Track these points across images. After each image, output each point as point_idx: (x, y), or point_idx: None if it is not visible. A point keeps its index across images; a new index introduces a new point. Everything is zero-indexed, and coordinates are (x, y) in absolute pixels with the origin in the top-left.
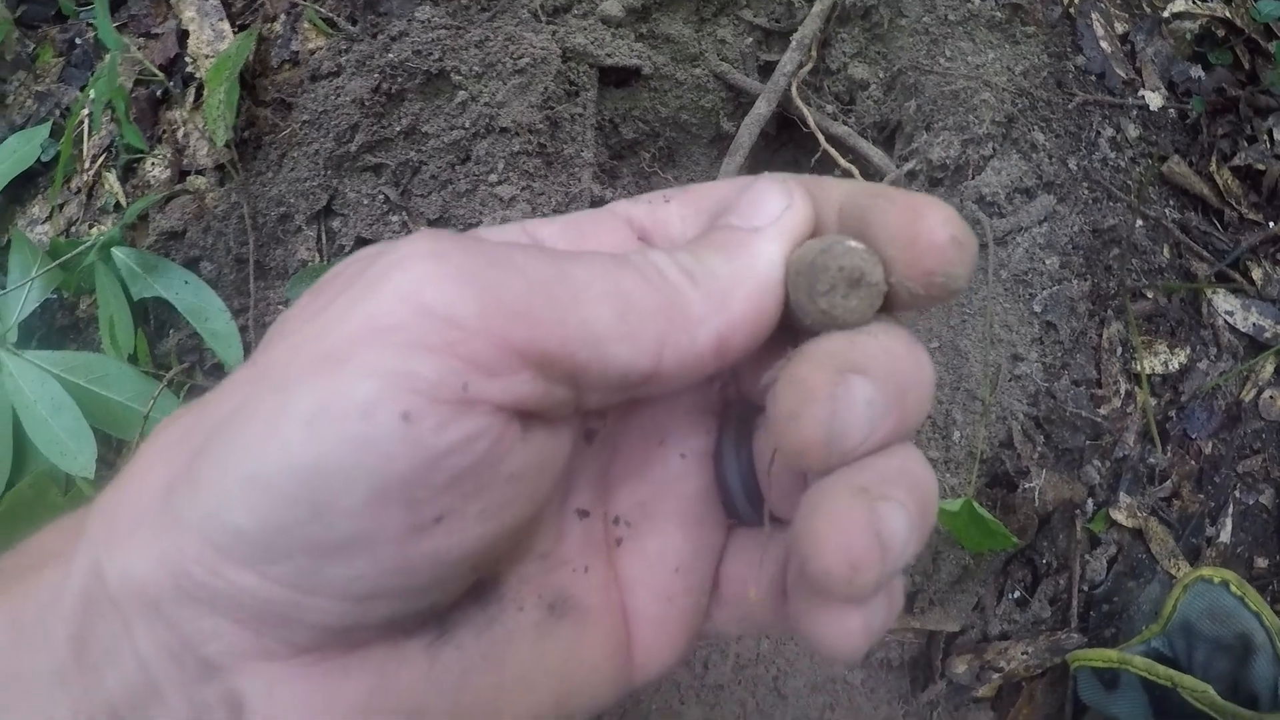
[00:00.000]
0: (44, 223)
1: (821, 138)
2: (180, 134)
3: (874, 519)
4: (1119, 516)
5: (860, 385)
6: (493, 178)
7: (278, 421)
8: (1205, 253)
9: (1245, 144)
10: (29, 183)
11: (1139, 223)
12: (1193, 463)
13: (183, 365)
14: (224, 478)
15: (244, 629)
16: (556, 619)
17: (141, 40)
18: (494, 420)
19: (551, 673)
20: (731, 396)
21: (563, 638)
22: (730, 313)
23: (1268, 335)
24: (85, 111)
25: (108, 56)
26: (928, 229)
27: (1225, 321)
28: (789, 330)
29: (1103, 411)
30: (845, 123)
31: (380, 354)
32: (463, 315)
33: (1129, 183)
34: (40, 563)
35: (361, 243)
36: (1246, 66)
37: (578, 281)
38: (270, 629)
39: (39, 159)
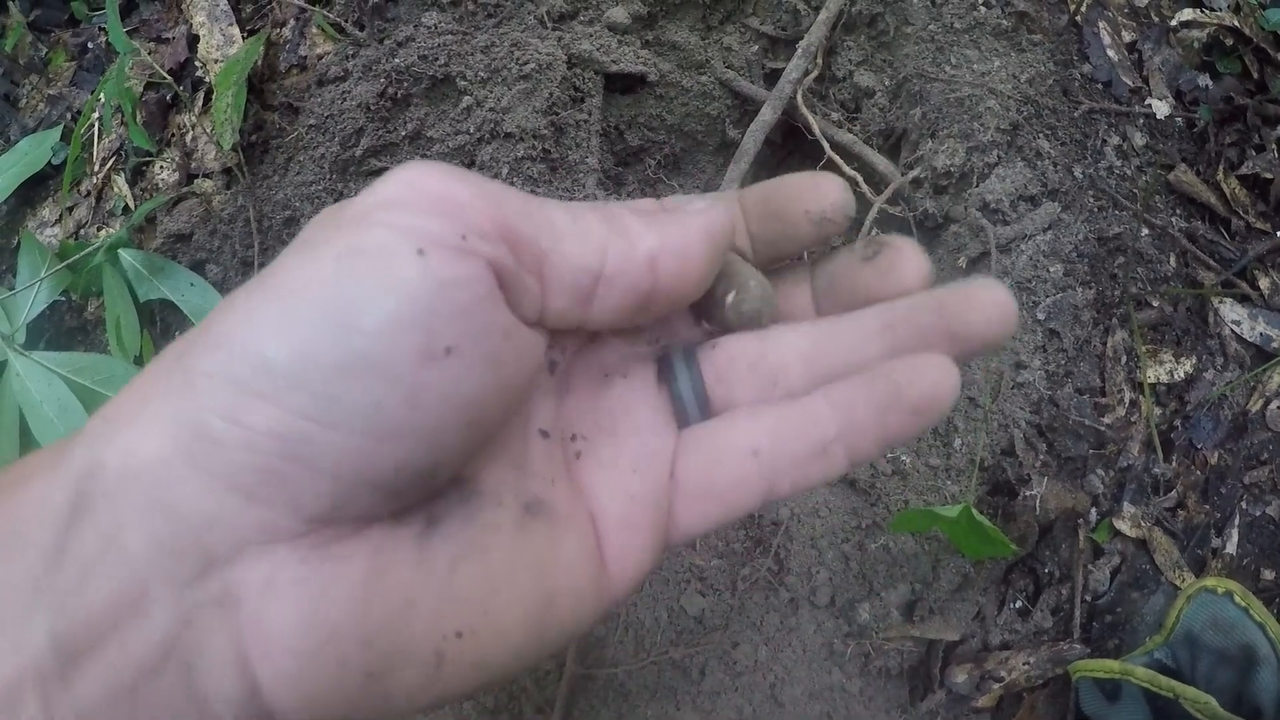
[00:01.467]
0: (54, 225)
1: (826, 145)
2: (189, 137)
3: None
4: (1123, 526)
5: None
6: None
7: (307, 262)
8: (1212, 261)
9: (1253, 153)
10: (40, 185)
11: (1145, 231)
12: (1198, 473)
13: None
14: (252, 317)
15: (250, 503)
16: (532, 517)
17: (152, 45)
18: (488, 272)
19: (533, 568)
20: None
21: (540, 535)
22: (663, 237)
23: (1275, 345)
24: (95, 115)
25: (117, 60)
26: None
27: (1232, 331)
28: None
29: (1106, 420)
30: (850, 130)
31: (394, 215)
32: (457, 194)
33: (1135, 191)
34: (26, 476)
35: None
36: (1255, 75)
37: (539, 199)
38: (279, 494)
39: (50, 162)
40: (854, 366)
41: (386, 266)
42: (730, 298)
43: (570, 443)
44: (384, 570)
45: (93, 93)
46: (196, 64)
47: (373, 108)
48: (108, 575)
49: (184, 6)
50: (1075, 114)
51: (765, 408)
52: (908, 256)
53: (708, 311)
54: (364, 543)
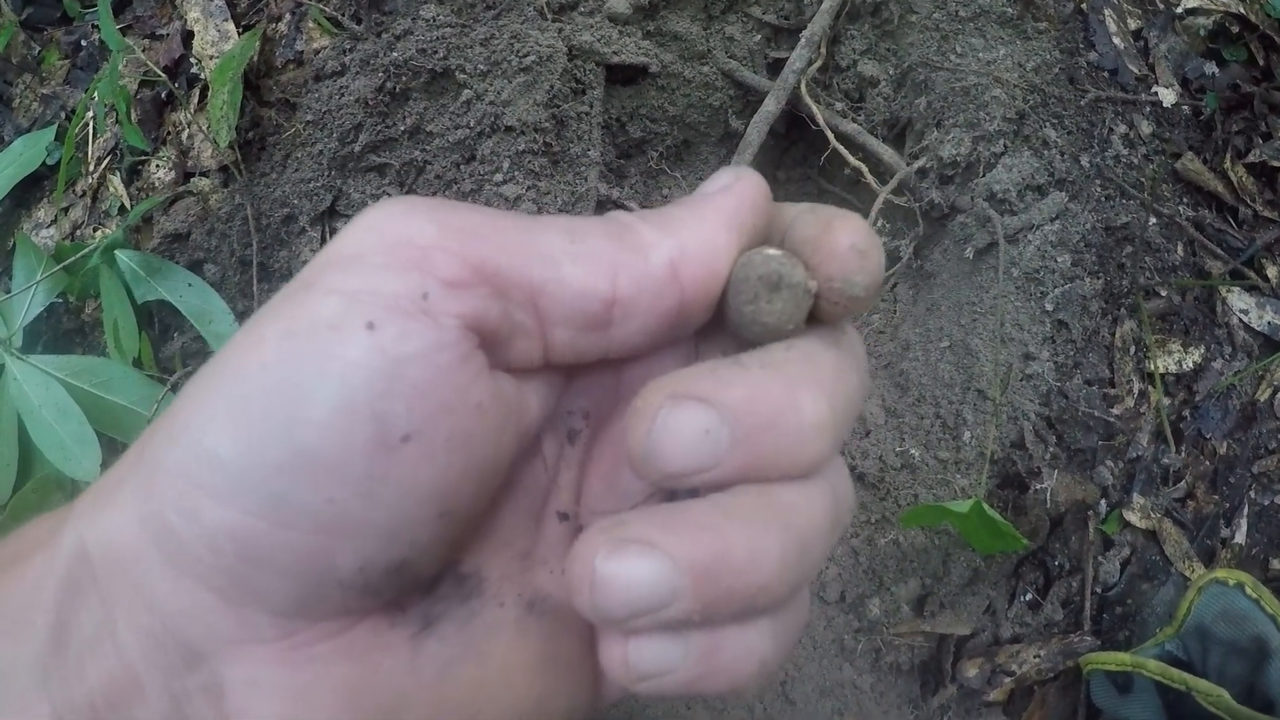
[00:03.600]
0: (49, 226)
1: (831, 136)
2: (185, 135)
3: (602, 559)
4: (1132, 518)
5: (694, 413)
6: (498, 177)
7: (252, 343)
8: (1220, 250)
9: (1260, 141)
10: (35, 186)
11: (1152, 220)
12: (1207, 463)
13: (187, 369)
14: (204, 408)
15: (224, 602)
16: (536, 618)
17: (147, 41)
18: (457, 335)
19: (531, 670)
20: None
21: (541, 636)
22: (681, 238)
23: None
24: (89, 114)
25: (110, 58)
26: (832, 237)
27: (1240, 320)
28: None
29: (1116, 411)
30: (855, 120)
31: (345, 277)
32: (420, 236)
33: (1142, 180)
34: (27, 551)
35: None
36: (1261, 62)
37: (528, 218)
38: (247, 595)
39: (45, 162)
40: None
41: (330, 347)
42: (748, 306)
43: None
44: (373, 672)
45: (86, 91)
46: (192, 60)
47: (371, 103)
48: (103, 661)
49: (178, 2)
50: (1082, 102)
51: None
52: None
53: (724, 318)
54: (352, 643)
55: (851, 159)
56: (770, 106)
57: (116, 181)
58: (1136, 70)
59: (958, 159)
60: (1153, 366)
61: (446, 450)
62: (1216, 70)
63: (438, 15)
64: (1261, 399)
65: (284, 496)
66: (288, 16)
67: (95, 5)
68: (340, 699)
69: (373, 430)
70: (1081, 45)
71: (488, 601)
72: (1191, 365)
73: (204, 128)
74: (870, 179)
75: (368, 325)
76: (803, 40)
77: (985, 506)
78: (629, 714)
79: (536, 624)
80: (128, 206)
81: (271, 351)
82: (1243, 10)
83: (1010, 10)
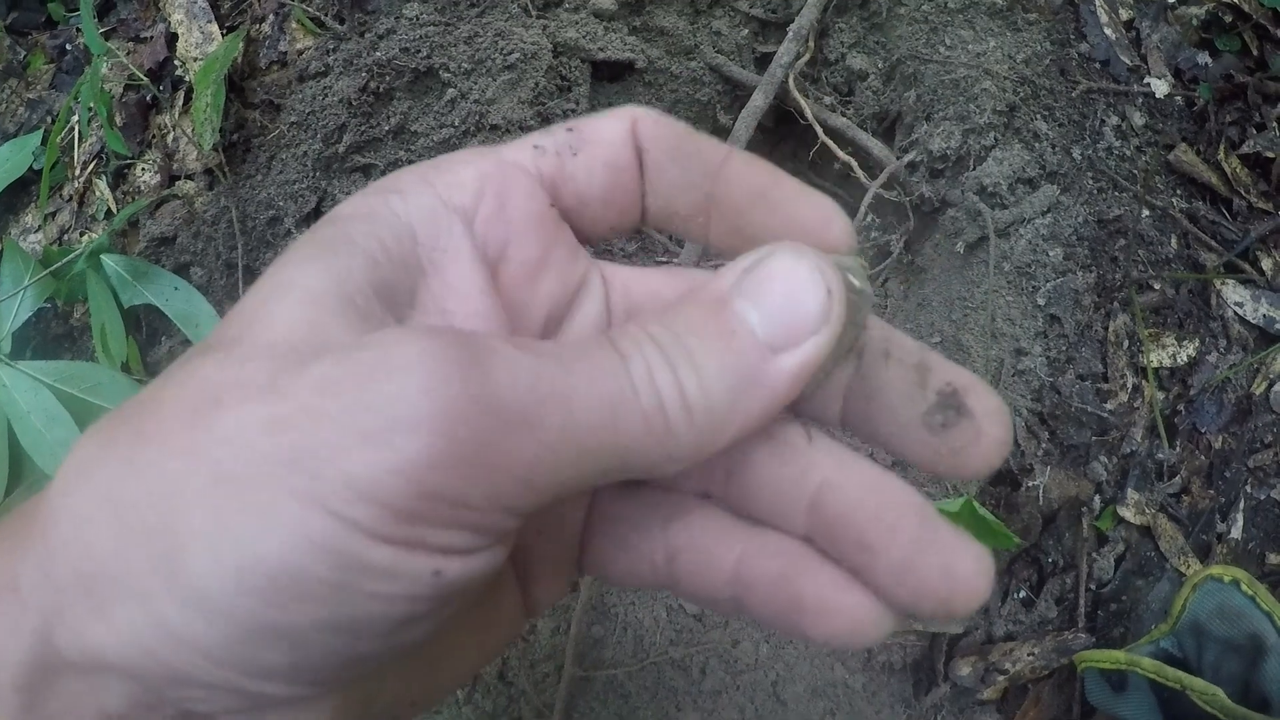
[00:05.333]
0: (36, 231)
1: (820, 130)
2: (169, 138)
3: None
4: (1127, 514)
5: None
6: None
7: (288, 583)
8: (1214, 243)
9: (1254, 131)
10: (22, 191)
11: (1145, 213)
12: (1202, 458)
13: None
14: (237, 622)
15: (240, 699)
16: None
17: (131, 44)
18: (494, 550)
19: (478, 631)
20: None
21: (483, 600)
22: (710, 450)
23: (1278, 327)
24: (73, 119)
25: (93, 62)
26: (834, 237)
27: (1235, 313)
28: None
29: (1109, 406)
30: (844, 114)
31: (390, 528)
32: (473, 499)
33: (1135, 172)
34: None
35: None
36: (1254, 52)
37: (584, 432)
38: (269, 701)
39: (31, 167)
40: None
41: (394, 589)
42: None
43: None
44: (355, 687)
45: (69, 95)
46: (176, 63)
47: (355, 103)
48: (84, 715)
49: (161, 5)
50: (1073, 94)
51: (685, 503)
52: (987, 440)
53: None
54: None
55: (841, 153)
56: (758, 101)
57: (102, 185)
58: (1129, 61)
59: (948, 152)
60: (1147, 360)
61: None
62: (1209, 60)
63: (421, 14)
64: (1257, 392)
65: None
66: (271, 17)
67: (79, 9)
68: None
69: (431, 624)
70: (1072, 36)
71: None
72: (1186, 359)
73: (188, 130)
74: (860, 173)
75: (435, 573)
76: (790, 34)
77: (976, 505)
78: (619, 716)
79: (484, 594)
80: (114, 210)
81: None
82: (1236, 0)
83: (1000, 2)
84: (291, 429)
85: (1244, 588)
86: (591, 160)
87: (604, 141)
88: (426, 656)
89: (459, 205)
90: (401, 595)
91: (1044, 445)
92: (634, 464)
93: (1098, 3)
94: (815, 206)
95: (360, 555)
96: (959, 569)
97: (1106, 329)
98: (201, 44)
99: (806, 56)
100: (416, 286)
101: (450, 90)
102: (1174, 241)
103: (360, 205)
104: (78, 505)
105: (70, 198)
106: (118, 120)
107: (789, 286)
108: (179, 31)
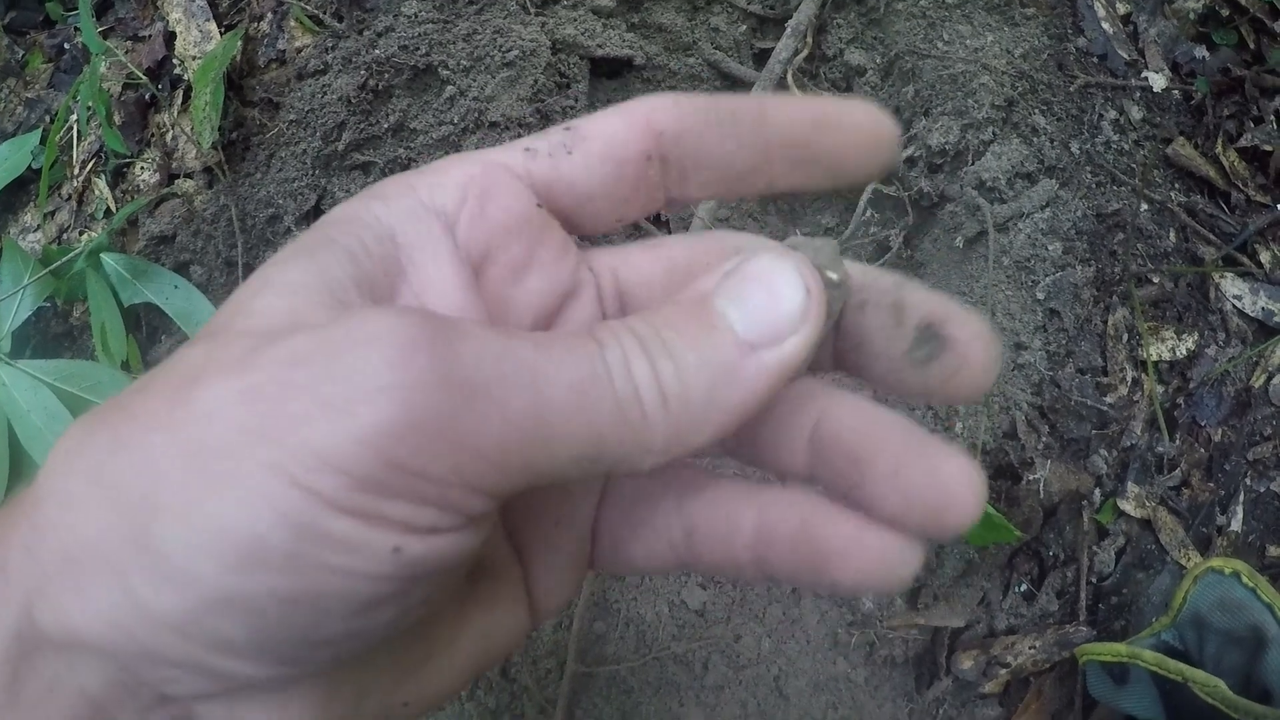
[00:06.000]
0: (35, 230)
1: None
2: (169, 137)
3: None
4: (1127, 507)
5: None
6: None
7: (252, 552)
8: (1212, 236)
9: (1251, 125)
10: (21, 190)
11: (1144, 206)
12: (1202, 450)
13: None
14: (200, 591)
15: (215, 681)
16: (472, 585)
17: (129, 43)
18: (463, 534)
19: (474, 630)
20: None
21: (481, 600)
22: (688, 445)
23: (1277, 319)
24: (72, 118)
25: (91, 61)
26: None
27: (1234, 306)
28: None
29: (1109, 400)
30: (891, 172)
31: (351, 496)
32: (436, 471)
33: (1133, 166)
34: None
35: None
36: (1252, 46)
37: (554, 414)
38: (242, 684)
39: (30, 166)
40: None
41: (353, 565)
42: None
43: None
44: (338, 685)
45: (68, 94)
46: (174, 61)
47: (354, 100)
48: (68, 703)
49: (159, 3)
50: (1071, 89)
51: (698, 477)
52: (973, 365)
53: None
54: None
55: None
56: None
57: (101, 184)
58: (1126, 55)
59: (946, 147)
60: (1146, 354)
61: (448, 587)
62: (1207, 54)
63: (419, 11)
64: (1256, 385)
65: (303, 658)
66: (269, 15)
67: (77, 8)
68: (314, 714)
69: (395, 611)
70: (1070, 31)
71: None
72: (1185, 352)
73: (187, 129)
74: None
75: (395, 550)
76: (789, 30)
77: None
78: (622, 712)
79: (475, 591)
80: (113, 209)
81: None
82: None
83: None
84: (262, 399)
85: (1244, 580)
86: (589, 157)
87: (602, 137)
88: (415, 653)
89: (441, 207)
90: (361, 571)
91: (1044, 439)
92: (608, 454)
93: None
94: (866, 112)
95: (320, 525)
96: (945, 471)
97: (1106, 323)
98: (200, 42)
99: (805, 52)
100: (397, 285)
101: (449, 88)
102: (1172, 235)
103: (342, 212)
104: (63, 484)
105: (69, 197)
106: (116, 119)
107: (769, 286)
108: (177, 30)
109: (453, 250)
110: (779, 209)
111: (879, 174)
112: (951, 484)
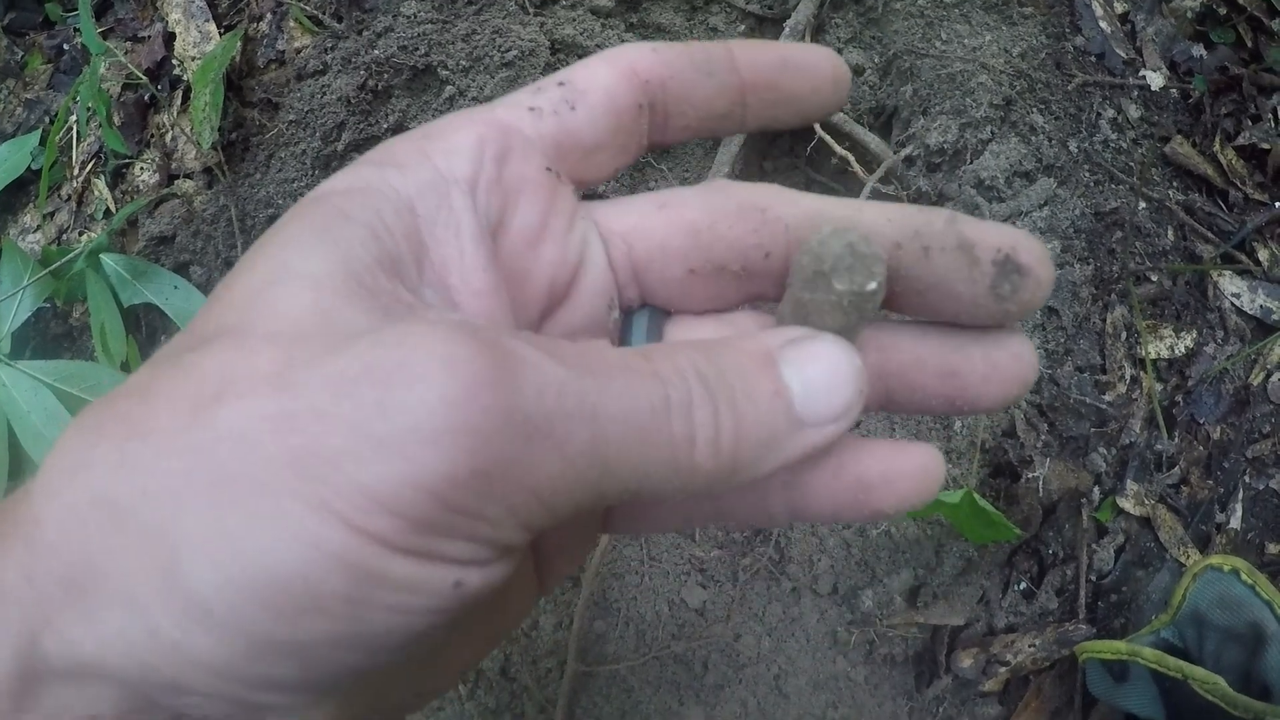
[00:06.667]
0: (35, 231)
1: (816, 125)
2: (168, 137)
3: None
4: (1126, 505)
5: None
6: None
7: (300, 596)
8: (1210, 234)
9: (1249, 123)
10: (20, 191)
11: (1142, 205)
12: (1201, 448)
13: None
14: (241, 636)
15: (232, 705)
16: None
17: (129, 44)
18: (506, 562)
19: (485, 619)
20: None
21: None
22: (720, 489)
23: (1276, 317)
24: (71, 118)
25: (91, 62)
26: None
27: (1232, 304)
28: None
29: (1108, 398)
30: (840, 109)
31: (406, 538)
32: (492, 513)
33: (1131, 164)
34: None
35: None
36: (1249, 44)
37: (611, 451)
38: (265, 709)
39: (30, 167)
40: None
41: (411, 603)
42: (804, 293)
43: None
44: (361, 686)
45: (67, 95)
46: (174, 62)
47: (353, 101)
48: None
49: (159, 4)
50: (1069, 87)
51: None
52: (1045, 281)
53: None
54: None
55: (838, 148)
56: None
57: (101, 185)
58: (1124, 54)
59: (945, 146)
60: (1144, 352)
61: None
62: (1204, 52)
63: (418, 11)
64: (1255, 383)
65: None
66: (269, 16)
67: (77, 9)
68: (336, 716)
69: (444, 635)
70: (1068, 30)
71: None
72: (1184, 350)
73: (187, 129)
74: (857, 168)
75: (456, 584)
76: (787, 30)
77: (976, 497)
78: (622, 711)
79: None
80: (113, 210)
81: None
82: None
83: None
84: (300, 430)
85: (1244, 577)
86: (591, 110)
87: (600, 88)
88: (433, 652)
89: (459, 176)
90: (421, 608)
91: (1043, 437)
92: (648, 489)
93: None
94: (823, 55)
95: (377, 567)
96: (1024, 350)
97: (1104, 321)
98: (199, 43)
99: None
100: (421, 263)
101: (448, 88)
102: (1171, 233)
103: (354, 179)
104: (65, 505)
105: (69, 197)
106: (116, 119)
107: (832, 373)
108: (176, 31)
109: (472, 224)
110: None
111: (835, 109)
112: (1027, 355)
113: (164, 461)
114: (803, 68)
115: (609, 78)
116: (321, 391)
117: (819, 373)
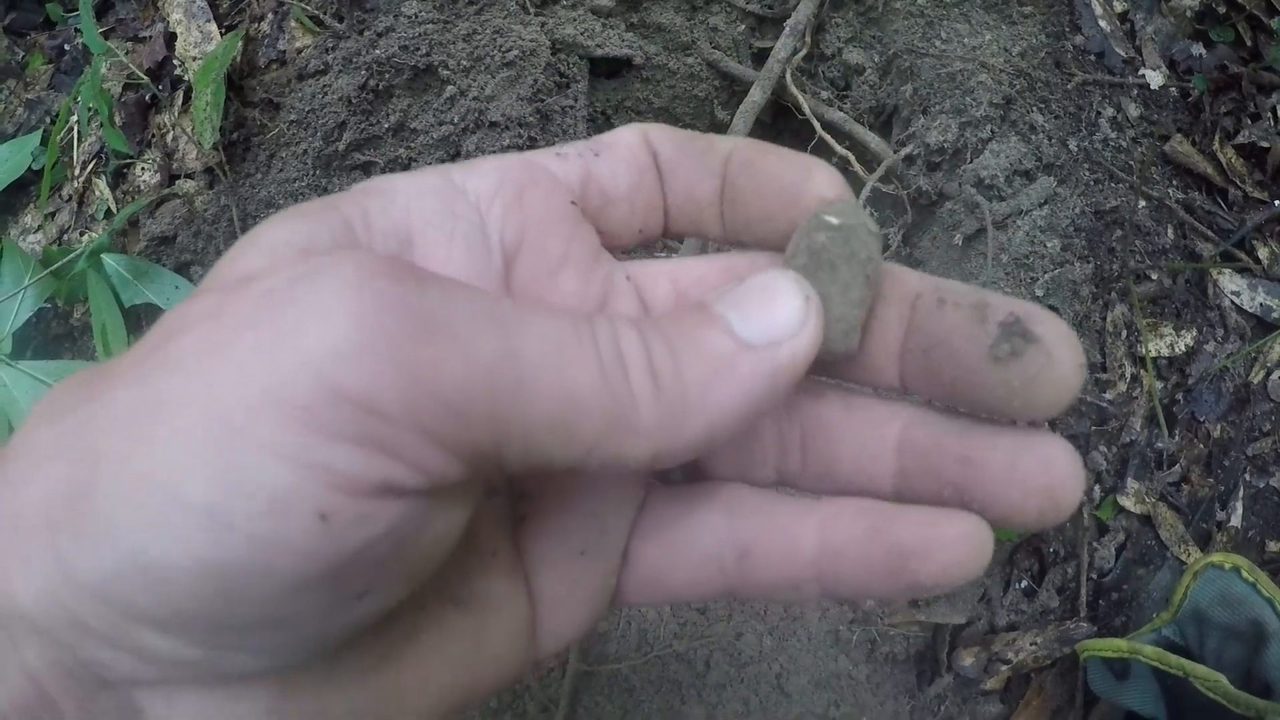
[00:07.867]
0: (36, 231)
1: (817, 125)
2: (169, 137)
3: None
4: (1127, 503)
5: None
6: None
7: (170, 507)
8: (1210, 232)
9: (1249, 121)
10: (21, 191)
11: (1142, 203)
12: (1201, 446)
13: None
14: (115, 551)
15: (147, 664)
16: (461, 614)
17: (130, 44)
18: (416, 505)
19: (454, 664)
20: None
21: (466, 631)
22: (680, 438)
23: (1275, 315)
24: (73, 118)
25: (92, 62)
26: (815, 186)
27: (1232, 302)
28: None
29: (1108, 396)
30: (841, 109)
31: (287, 438)
32: (386, 406)
33: (1131, 163)
34: None
35: None
36: (1248, 43)
37: (525, 365)
38: (176, 670)
39: (31, 167)
40: (866, 482)
41: (277, 537)
42: None
43: (518, 502)
44: (291, 689)
45: (68, 95)
46: (175, 62)
47: (354, 101)
48: (12, 682)
49: (160, 4)
50: (1069, 86)
51: (747, 496)
52: (1059, 364)
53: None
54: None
55: (838, 147)
56: (756, 96)
57: (102, 185)
58: (1123, 53)
59: (945, 145)
60: (1145, 350)
61: (402, 585)
62: (1204, 51)
63: (419, 11)
64: (1255, 381)
65: (228, 642)
66: (270, 16)
67: (78, 9)
68: (262, 714)
69: (328, 598)
70: (1068, 29)
71: (406, 606)
72: (1184, 348)
73: (188, 129)
74: (858, 167)
75: (320, 517)
76: (787, 29)
77: None
78: (624, 710)
79: (460, 620)
80: (114, 210)
81: (196, 530)
82: None
83: None
84: (219, 344)
85: (1244, 575)
86: (614, 160)
87: (622, 145)
88: (385, 668)
89: (474, 189)
90: (281, 542)
91: None
92: (588, 425)
93: None
94: (794, 164)
95: (242, 475)
96: (1055, 457)
97: (1104, 319)
98: (200, 43)
99: (803, 51)
100: (402, 256)
101: (449, 87)
102: (1170, 232)
103: (366, 183)
104: (31, 446)
105: (70, 198)
106: (117, 119)
107: (767, 293)
108: (178, 31)
109: (473, 231)
110: None
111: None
112: (1061, 468)
113: (113, 392)
114: (767, 172)
115: (630, 136)
116: (242, 306)
117: (750, 291)
